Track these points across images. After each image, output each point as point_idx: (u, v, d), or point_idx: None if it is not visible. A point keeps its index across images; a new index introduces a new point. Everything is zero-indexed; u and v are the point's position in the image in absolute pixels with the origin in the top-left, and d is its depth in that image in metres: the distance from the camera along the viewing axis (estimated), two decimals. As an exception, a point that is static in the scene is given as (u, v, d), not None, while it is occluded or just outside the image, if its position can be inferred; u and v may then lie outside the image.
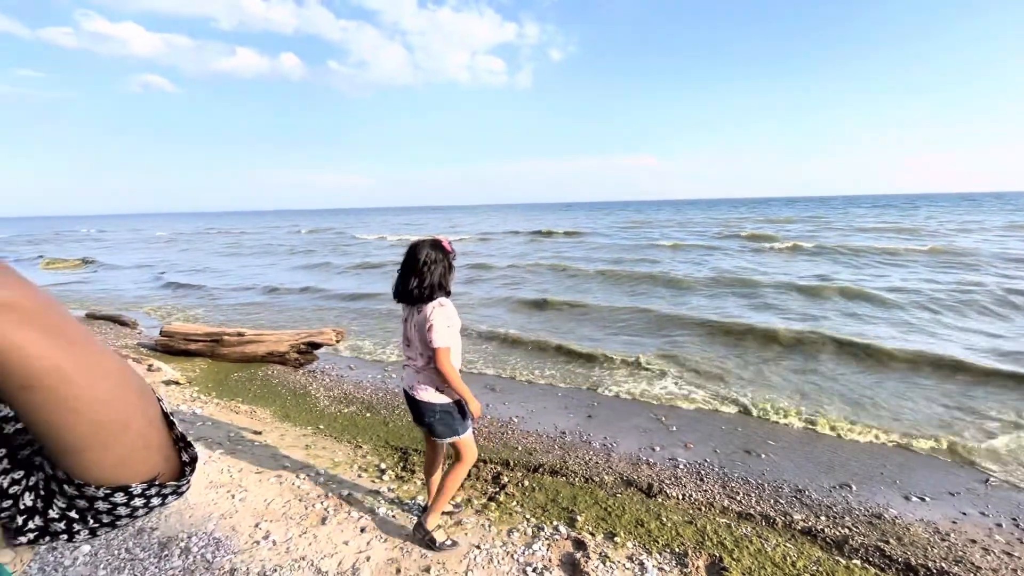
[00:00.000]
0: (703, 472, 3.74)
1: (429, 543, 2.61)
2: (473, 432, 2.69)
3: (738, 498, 3.36)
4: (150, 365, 5.89)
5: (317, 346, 6.44)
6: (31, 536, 0.43)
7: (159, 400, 0.46)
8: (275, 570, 2.44)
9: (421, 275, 2.35)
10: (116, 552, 2.53)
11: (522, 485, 3.38)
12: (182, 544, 2.60)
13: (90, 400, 0.35)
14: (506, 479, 3.46)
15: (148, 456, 0.42)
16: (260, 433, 4.18)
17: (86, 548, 2.53)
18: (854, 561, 2.68)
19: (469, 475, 3.53)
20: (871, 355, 6.42)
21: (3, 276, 0.34)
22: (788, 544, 2.81)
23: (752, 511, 3.18)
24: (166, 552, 2.54)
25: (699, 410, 5.00)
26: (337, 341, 6.45)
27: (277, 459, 3.68)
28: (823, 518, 3.14)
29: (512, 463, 3.71)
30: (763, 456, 4.03)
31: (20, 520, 0.42)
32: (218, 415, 4.58)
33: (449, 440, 2.53)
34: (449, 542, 2.65)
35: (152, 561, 2.47)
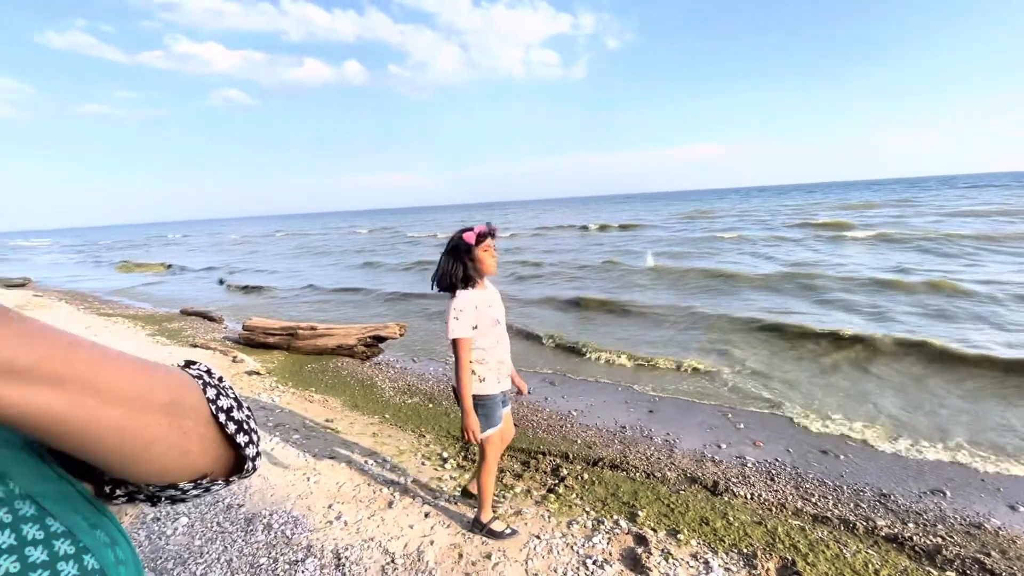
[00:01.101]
0: (774, 472, 3.56)
1: (489, 533, 2.66)
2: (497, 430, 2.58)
3: (813, 500, 3.17)
4: (234, 357, 6.40)
5: (382, 339, 6.73)
6: (121, 501, 0.46)
7: (209, 401, 0.44)
8: (347, 548, 2.59)
9: (438, 265, 2.42)
10: (209, 525, 2.78)
11: (581, 478, 3.37)
12: (265, 520, 2.82)
13: (96, 435, 0.33)
14: (565, 472, 3.46)
15: (188, 461, 0.42)
16: (331, 421, 4.43)
17: (184, 520, 2.81)
18: (948, 573, 2.46)
19: (528, 466, 3.57)
20: (961, 360, 5.57)
21: None
22: (870, 551, 2.62)
23: (829, 514, 2.99)
24: (251, 527, 2.76)
25: (770, 410, 4.76)
26: (400, 335, 6.70)
27: (347, 446, 3.89)
28: (911, 525, 2.90)
29: (571, 456, 3.71)
30: (841, 457, 3.78)
31: (107, 489, 0.45)
32: (294, 403, 4.90)
33: (482, 432, 2.54)
34: (508, 531, 2.68)
35: (240, 535, 2.70)
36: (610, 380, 5.66)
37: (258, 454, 0.48)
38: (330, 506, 2.99)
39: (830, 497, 3.21)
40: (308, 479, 3.31)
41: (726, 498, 3.16)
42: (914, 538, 2.73)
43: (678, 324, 8.07)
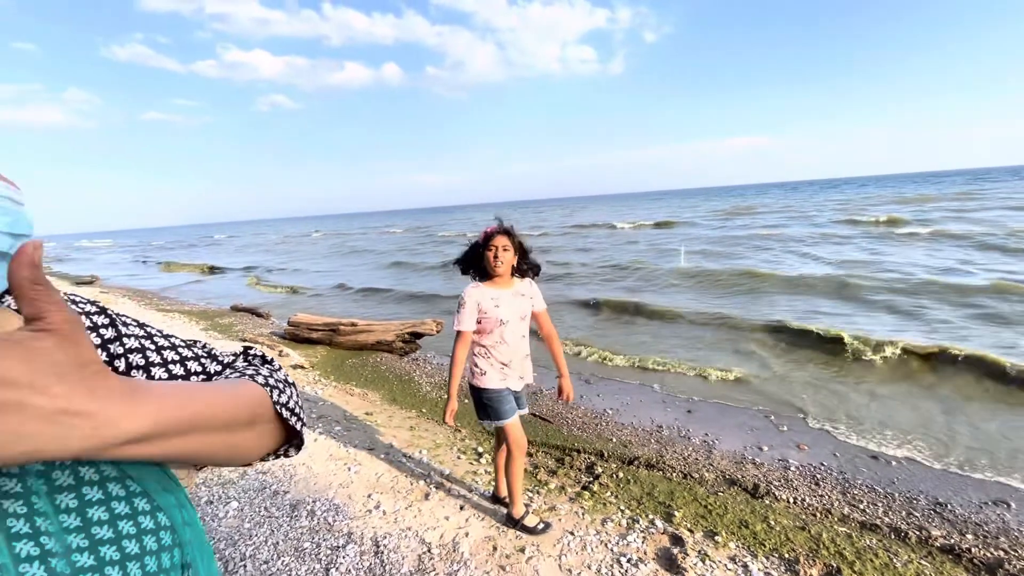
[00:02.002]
0: (819, 476, 3.43)
1: (523, 529, 2.69)
2: (520, 419, 2.64)
3: (861, 506, 3.04)
4: (280, 351, 6.67)
5: (419, 336, 6.86)
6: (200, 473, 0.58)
7: (274, 402, 0.54)
8: (385, 537, 2.67)
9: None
10: (257, 510, 2.92)
11: (616, 477, 3.35)
12: (308, 507, 2.94)
13: (200, 455, 0.42)
14: (600, 470, 3.44)
15: (261, 449, 0.54)
16: (371, 414, 4.56)
17: (234, 504, 2.96)
18: (1011, 588, 2.31)
19: (563, 463, 3.57)
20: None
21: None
22: (923, 561, 2.49)
23: (879, 522, 2.86)
24: (296, 513, 2.89)
25: (815, 414, 4.58)
26: (437, 331, 6.81)
27: (386, 438, 4.00)
28: (970, 536, 2.74)
29: (606, 454, 3.69)
30: (893, 463, 3.60)
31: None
32: (336, 396, 5.07)
33: (485, 423, 2.59)
34: (542, 525, 2.69)
35: (285, 520, 2.83)
36: (645, 381, 5.58)
37: (304, 425, 0.60)
38: (369, 495, 3.09)
39: (880, 504, 3.07)
40: (349, 469, 3.43)
41: (767, 501, 3.08)
42: (973, 550, 2.58)
43: (711, 328, 7.67)
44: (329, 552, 2.55)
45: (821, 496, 3.17)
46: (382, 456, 3.65)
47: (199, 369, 0.59)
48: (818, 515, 2.95)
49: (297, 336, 7.47)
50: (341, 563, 2.46)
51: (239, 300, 12.10)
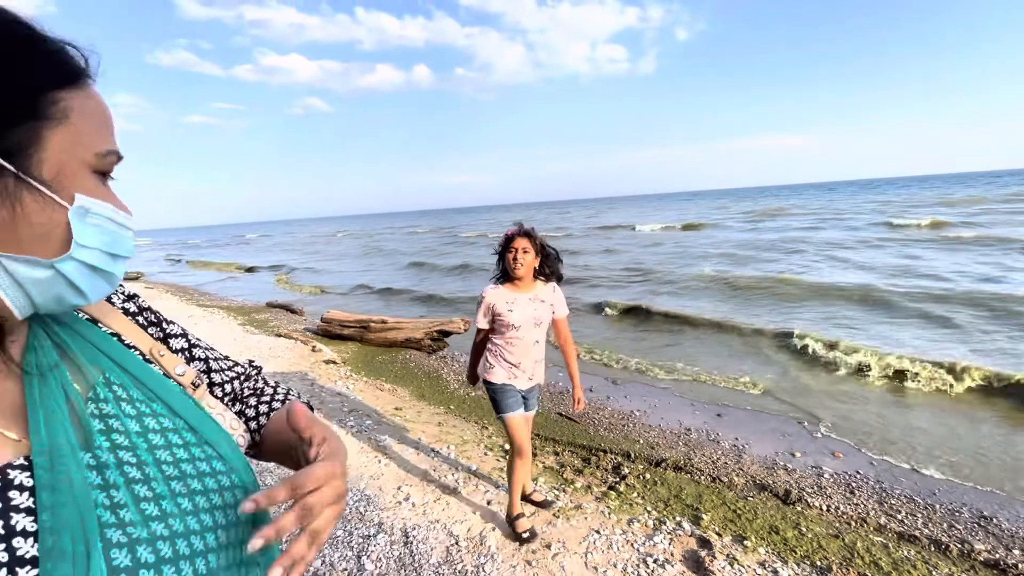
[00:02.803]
0: (854, 484, 3.34)
1: (512, 530, 2.66)
2: (522, 420, 2.62)
3: (899, 517, 2.95)
4: (314, 346, 6.87)
5: (447, 334, 6.95)
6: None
7: (311, 406, 0.66)
8: (414, 528, 2.73)
9: None
10: (292, 497, 3.03)
11: (643, 478, 3.34)
12: (341, 497, 3.04)
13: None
14: (627, 470, 3.44)
15: None
16: (400, 409, 4.66)
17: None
18: (1061, 607, 2.21)
19: (589, 462, 3.58)
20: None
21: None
22: (965, 575, 2.40)
23: (917, 533, 2.77)
24: (329, 502, 2.98)
25: (852, 419, 4.45)
26: (465, 329, 6.89)
27: (415, 432, 4.08)
28: (1016, 552, 2.62)
29: (633, 455, 3.67)
30: (935, 475, 3.47)
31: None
32: (366, 392, 5.20)
33: (496, 415, 2.64)
34: (527, 534, 2.60)
35: (319, 508, 2.92)
36: (671, 386, 5.51)
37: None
38: (399, 487, 3.16)
39: (919, 515, 2.97)
40: (379, 461, 3.52)
41: (799, 508, 3.01)
42: (1020, 566, 2.47)
43: (736, 335, 7.33)
44: (360, 540, 2.63)
45: (856, 505, 3.08)
46: (411, 450, 3.73)
47: (226, 367, 0.70)
48: (853, 524, 2.87)
49: (329, 332, 7.67)
50: (372, 551, 2.53)
51: (273, 298, 12.49)
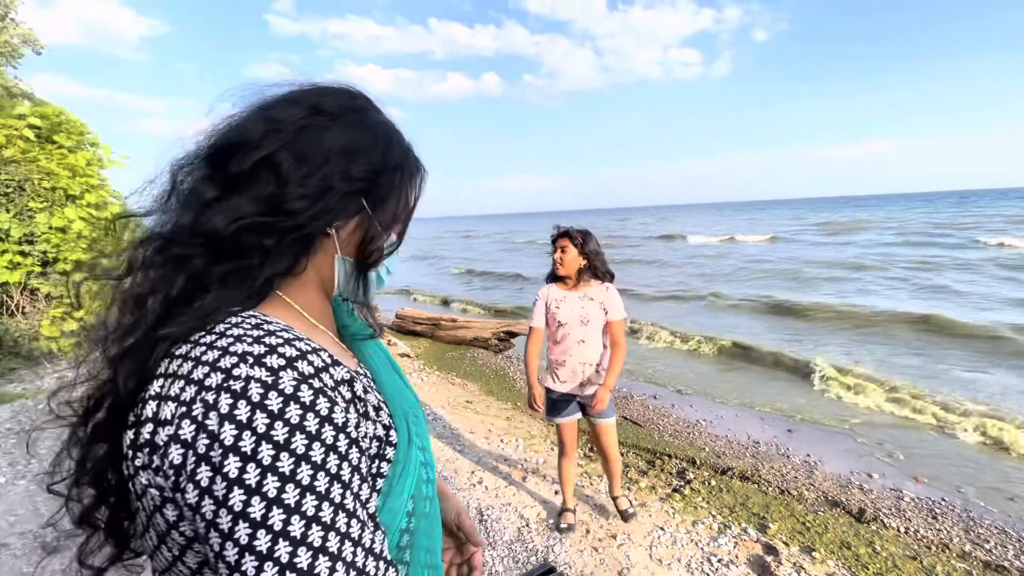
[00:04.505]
0: (937, 510, 3.20)
1: (556, 521, 2.81)
2: (561, 424, 2.72)
3: (987, 546, 2.81)
4: (388, 340, 7.36)
5: (514, 335, 7.20)
6: None
7: None
8: (488, 508, 2.96)
9: None
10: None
11: (708, 484, 3.38)
12: (421, 475, 3.33)
13: None
14: (691, 476, 3.49)
15: None
16: (471, 403, 4.94)
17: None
18: None
19: (653, 465, 3.66)
20: None
21: None
22: (1060, 611, 2.28)
23: (1007, 564, 2.64)
24: (411, 478, 3.29)
25: (939, 446, 4.22)
26: (531, 332, 7.11)
27: (485, 424, 4.34)
28: (1125, 595, 2.44)
29: (698, 462, 3.71)
30: (1033, 508, 3.25)
31: None
32: (439, 384, 5.54)
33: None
34: (565, 525, 2.74)
35: (402, 483, 3.23)
36: (744, 403, 5.42)
37: None
38: (473, 472, 3.42)
39: (1011, 547, 2.81)
40: (454, 447, 3.80)
41: (873, 527, 2.95)
42: None
43: (792, 372, 6.34)
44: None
45: (939, 530, 2.96)
46: (483, 440, 3.98)
47: None
48: (933, 548, 2.78)
49: (403, 328, 8.17)
50: (451, 525, 2.79)
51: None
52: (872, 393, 5.22)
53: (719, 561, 2.53)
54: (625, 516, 2.82)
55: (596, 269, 2.57)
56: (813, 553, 2.64)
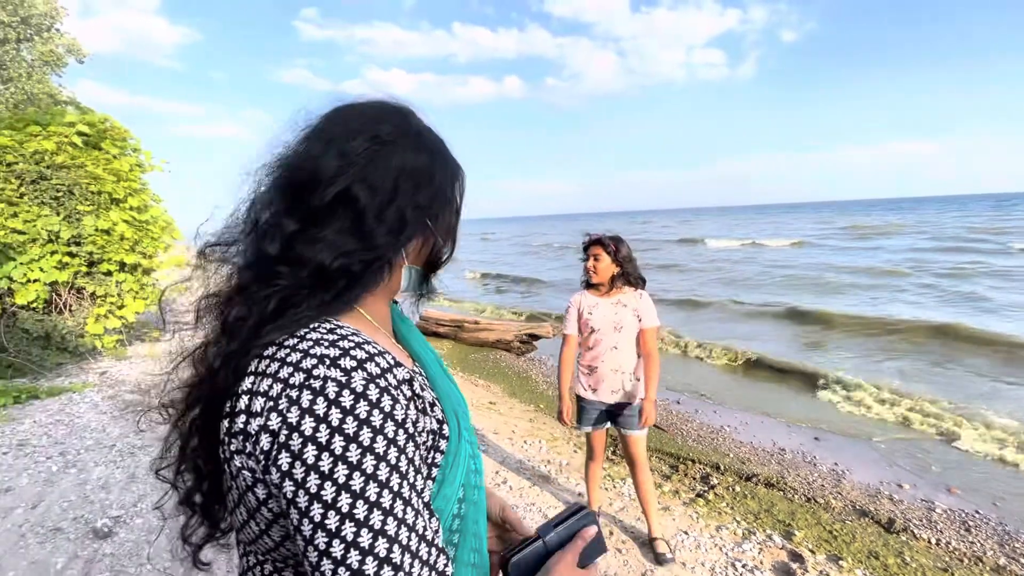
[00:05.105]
0: (971, 524, 3.12)
1: None
2: (590, 433, 2.70)
3: (1023, 560, 2.74)
4: (413, 341, 7.49)
5: (536, 337, 7.25)
6: None
7: None
8: (513, 507, 2.99)
9: None
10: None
11: (733, 490, 3.37)
12: (446, 474, 3.41)
13: None
14: (715, 481, 3.48)
15: None
16: (494, 404, 5.01)
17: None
18: None
19: (676, 470, 3.66)
20: None
21: None
22: (1100, 629, 2.22)
23: (1044, 579, 2.58)
24: (436, 477, 3.37)
25: (974, 455, 4.11)
26: (553, 335, 7.15)
27: (508, 425, 4.40)
28: None
29: (722, 467, 3.70)
30: (1073, 523, 3.15)
31: None
32: (463, 386, 5.61)
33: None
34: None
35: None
36: (766, 412, 5.37)
37: None
38: (497, 472, 3.47)
39: (1049, 563, 2.74)
40: (478, 448, 3.86)
41: (903, 538, 2.90)
42: None
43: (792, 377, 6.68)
44: (466, 512, 2.96)
45: (972, 543, 2.90)
46: (506, 441, 4.04)
47: None
48: (965, 560, 2.72)
49: (426, 330, 8.28)
50: (476, 522, 2.85)
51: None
52: (900, 406, 5.10)
53: (743, 566, 2.53)
54: (661, 560, 2.54)
55: (629, 276, 2.55)
56: (840, 562, 2.62)
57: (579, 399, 2.67)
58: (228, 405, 0.55)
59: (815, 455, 4.07)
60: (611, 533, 2.79)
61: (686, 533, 2.81)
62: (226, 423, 0.54)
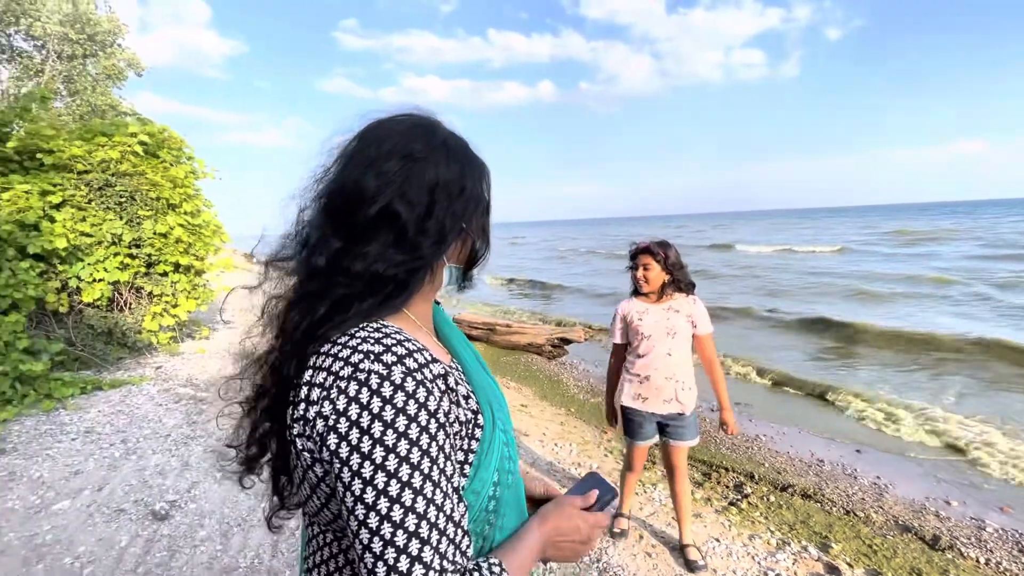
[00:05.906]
0: (1025, 544, 2.98)
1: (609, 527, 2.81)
2: (632, 448, 2.64)
3: (1082, 586, 2.60)
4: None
5: (568, 342, 7.27)
6: None
7: None
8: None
9: None
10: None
11: (767, 500, 3.31)
12: (478, 473, 3.49)
13: None
14: (749, 490, 3.43)
15: None
16: (525, 406, 5.06)
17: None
18: None
19: (709, 477, 3.62)
20: None
21: None
22: None
23: (1105, 606, 2.43)
24: (468, 475, 3.45)
25: (1029, 472, 3.89)
26: (585, 339, 7.15)
27: (539, 427, 4.44)
28: None
29: (757, 477, 3.64)
30: None
31: None
32: (493, 387, 5.71)
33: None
34: (618, 531, 2.77)
35: (460, 479, 3.40)
36: (810, 423, 5.22)
37: None
38: (527, 473, 3.53)
39: (1111, 589, 2.59)
40: (509, 449, 3.92)
41: (949, 555, 2.79)
42: None
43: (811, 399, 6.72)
44: (497, 511, 3.02)
45: (1025, 565, 2.77)
46: (537, 443, 4.09)
47: None
48: (1017, 582, 2.60)
49: (459, 332, 8.42)
50: (507, 521, 2.91)
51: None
52: (948, 423, 4.87)
53: (777, 576, 2.50)
54: (692, 566, 2.52)
55: (680, 282, 2.47)
56: (880, 577, 2.55)
57: (627, 410, 2.55)
58: (292, 395, 0.63)
59: (856, 468, 3.94)
60: (640, 537, 2.80)
61: (718, 540, 2.79)
62: (290, 410, 0.62)
